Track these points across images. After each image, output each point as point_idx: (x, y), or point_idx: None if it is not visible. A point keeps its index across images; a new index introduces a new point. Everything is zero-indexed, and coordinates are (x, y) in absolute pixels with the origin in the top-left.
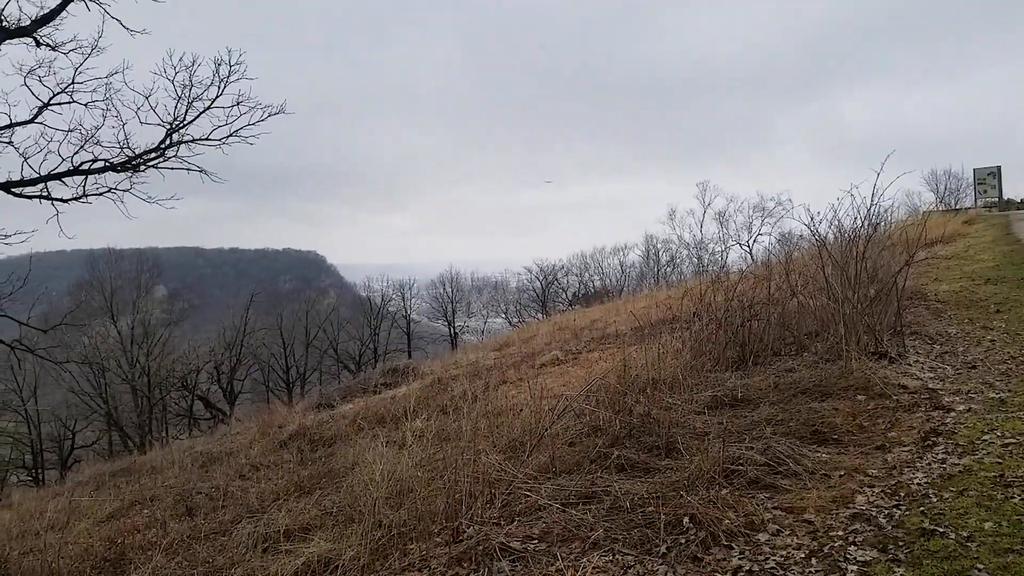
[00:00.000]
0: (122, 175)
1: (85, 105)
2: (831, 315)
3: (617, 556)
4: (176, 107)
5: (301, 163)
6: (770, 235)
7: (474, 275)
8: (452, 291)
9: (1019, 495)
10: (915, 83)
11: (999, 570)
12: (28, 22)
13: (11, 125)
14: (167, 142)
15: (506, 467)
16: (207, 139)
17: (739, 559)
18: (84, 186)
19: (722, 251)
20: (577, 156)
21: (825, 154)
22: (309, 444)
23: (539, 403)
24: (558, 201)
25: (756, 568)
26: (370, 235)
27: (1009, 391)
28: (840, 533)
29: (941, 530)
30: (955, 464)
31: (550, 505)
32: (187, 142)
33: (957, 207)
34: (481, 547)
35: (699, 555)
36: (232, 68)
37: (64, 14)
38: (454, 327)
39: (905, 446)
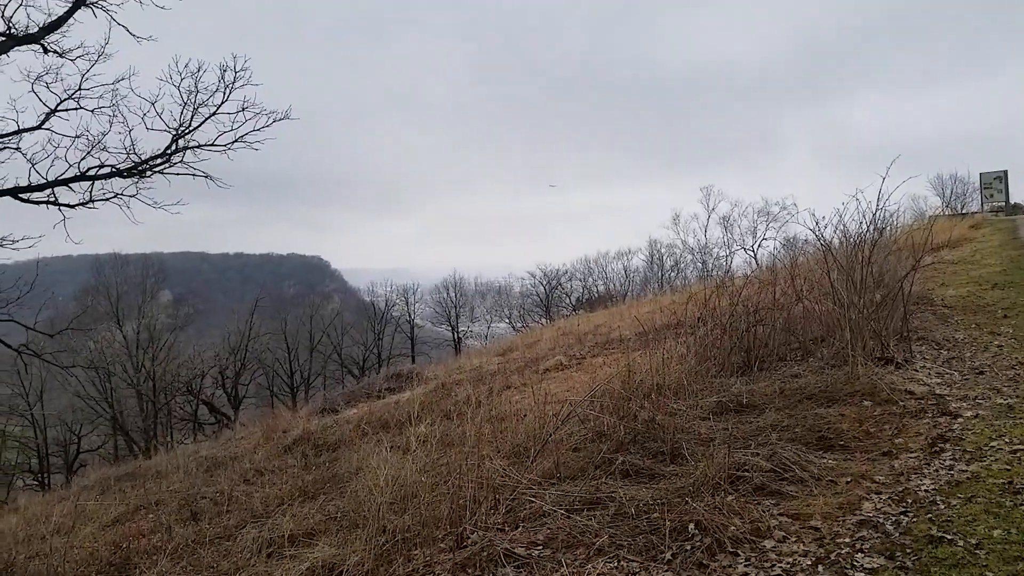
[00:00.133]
0: (128, 181)
1: (92, 111)
2: (837, 320)
3: (622, 563)
4: (182, 113)
5: (305, 168)
6: (775, 240)
7: (478, 280)
8: (456, 296)
9: None
10: (919, 86)
11: None
12: (36, 29)
13: (19, 131)
14: (173, 148)
15: (510, 473)
16: (213, 145)
17: (745, 566)
18: (91, 192)
19: (726, 256)
20: (580, 160)
21: (830, 158)
22: (313, 449)
23: (543, 408)
24: (562, 206)
25: (762, 575)
26: (374, 240)
27: (1017, 397)
28: (847, 540)
29: (949, 537)
30: (963, 471)
31: (554, 511)
32: (193, 148)
33: (963, 211)
34: (485, 553)
35: (705, 562)
36: (237, 74)
37: (71, 21)
38: (458, 332)
39: (912, 452)
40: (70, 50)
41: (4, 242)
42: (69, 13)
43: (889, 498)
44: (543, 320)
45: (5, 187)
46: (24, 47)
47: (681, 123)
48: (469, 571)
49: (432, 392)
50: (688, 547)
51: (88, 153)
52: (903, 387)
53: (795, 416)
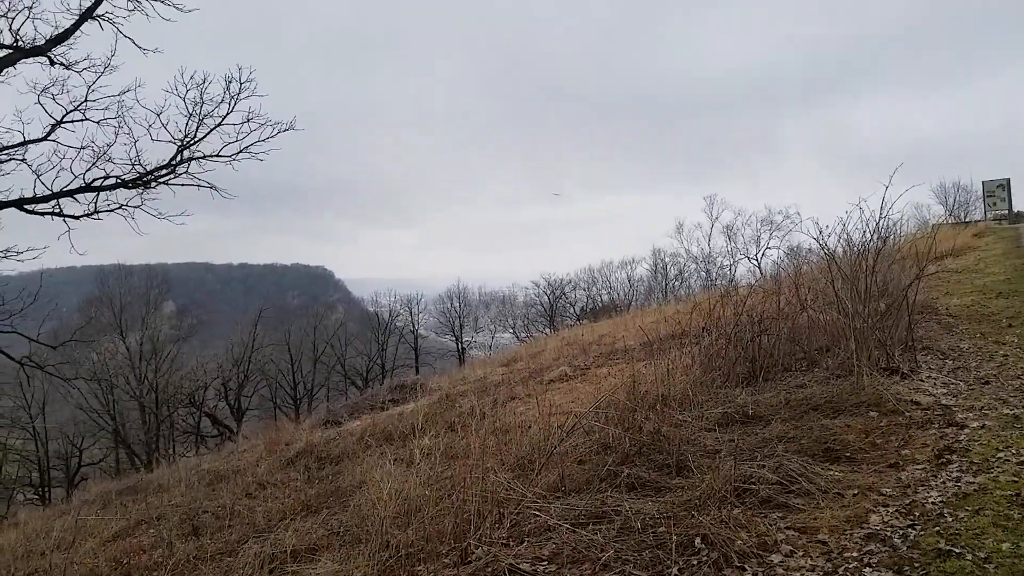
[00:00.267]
0: (133, 192)
1: (98, 123)
2: (842, 330)
3: None
4: (187, 124)
5: (309, 178)
6: (779, 249)
7: (481, 290)
8: (460, 306)
9: None
10: (920, 94)
11: None
12: (43, 41)
13: (24, 143)
14: (178, 159)
15: (515, 486)
16: (217, 155)
17: None
18: (95, 203)
19: (730, 265)
20: (583, 169)
21: (833, 166)
22: (316, 462)
23: (548, 420)
24: (565, 215)
25: None
26: (378, 250)
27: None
28: (855, 554)
29: (957, 551)
30: (970, 482)
31: (560, 525)
32: (198, 159)
33: (966, 220)
34: (490, 569)
35: None
36: (243, 85)
37: (78, 33)
38: (462, 342)
39: (919, 464)
40: (76, 62)
41: (9, 254)
42: (76, 26)
43: (896, 511)
44: (547, 330)
45: (10, 199)
46: (31, 59)
47: (683, 130)
48: None
49: (436, 403)
50: (695, 562)
51: (93, 164)
52: (909, 397)
53: (801, 427)
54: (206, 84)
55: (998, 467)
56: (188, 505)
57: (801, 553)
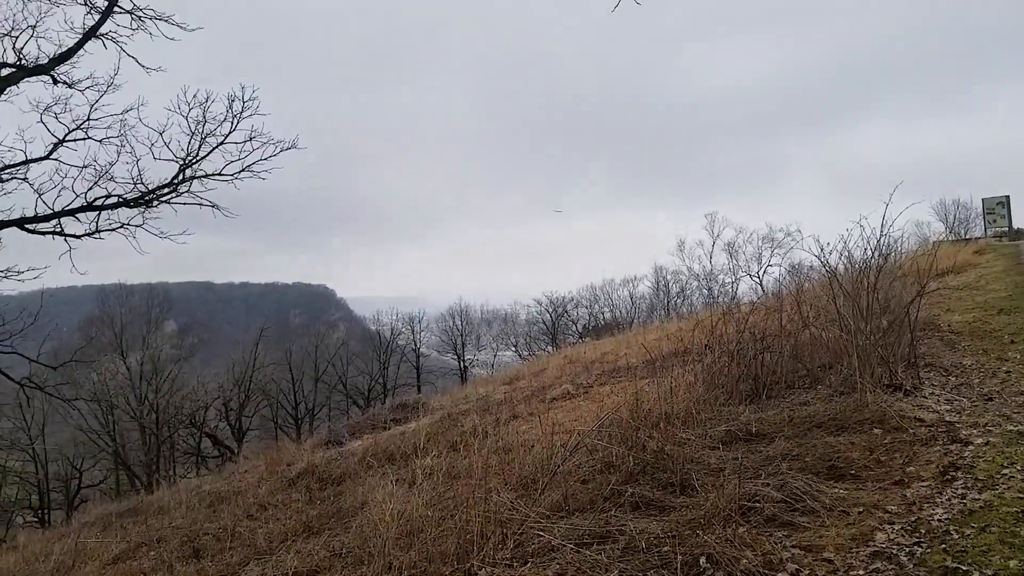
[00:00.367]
0: (135, 210)
1: (100, 141)
2: (844, 347)
3: None
4: (189, 143)
5: (311, 197)
6: (780, 266)
7: (483, 308)
8: (462, 324)
9: None
10: (920, 116)
11: None
12: (46, 60)
13: (26, 162)
14: (180, 177)
15: (518, 506)
16: (220, 174)
17: None
18: (97, 222)
19: (732, 282)
20: (585, 188)
21: (834, 185)
22: (318, 482)
23: (551, 439)
24: (567, 234)
25: None
26: (380, 268)
27: None
28: (861, 572)
29: (964, 568)
30: (975, 499)
31: (563, 545)
32: (200, 177)
33: (967, 237)
34: None
35: None
36: (245, 104)
37: (81, 52)
38: (464, 360)
39: (924, 481)
40: (79, 81)
41: (9, 273)
42: (79, 44)
43: (902, 528)
44: (549, 348)
45: (11, 218)
46: (34, 78)
47: (684, 150)
48: None
49: (438, 423)
50: None
51: (95, 183)
52: (912, 414)
53: (805, 445)
54: (209, 103)
55: (1003, 484)
56: (189, 527)
57: (807, 572)
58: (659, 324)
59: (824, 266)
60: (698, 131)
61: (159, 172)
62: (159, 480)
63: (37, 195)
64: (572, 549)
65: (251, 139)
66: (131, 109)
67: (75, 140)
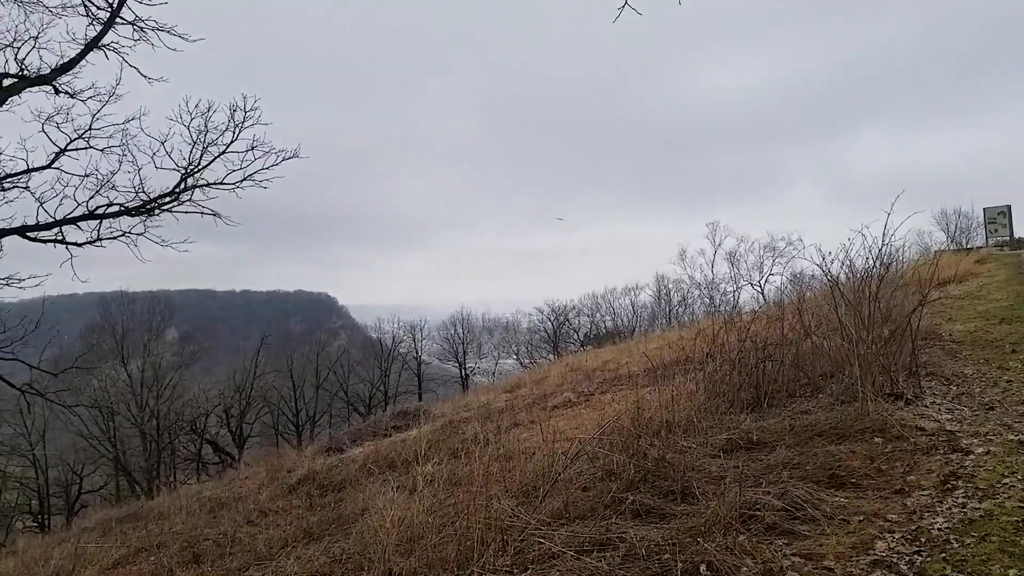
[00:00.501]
0: (136, 219)
1: (102, 151)
2: (845, 356)
3: None
4: (191, 152)
5: (313, 205)
6: (782, 275)
7: (485, 316)
8: (463, 332)
9: None
10: (921, 125)
11: None
12: (48, 70)
13: (28, 171)
14: (182, 186)
15: (518, 513)
16: (221, 183)
17: None
18: (98, 230)
19: (734, 291)
20: (587, 197)
21: (835, 194)
22: (318, 489)
23: (552, 447)
24: (569, 242)
25: None
26: (381, 276)
27: None
28: None
29: None
30: (976, 508)
31: (564, 552)
32: (201, 186)
33: (968, 246)
34: None
35: None
36: (247, 114)
37: (83, 62)
38: (465, 368)
39: (924, 490)
40: (81, 91)
41: (11, 281)
42: (81, 55)
43: (902, 537)
44: (551, 356)
45: (13, 226)
46: (36, 88)
47: (686, 157)
48: None
49: (439, 430)
50: None
51: (97, 192)
52: (913, 423)
53: (806, 453)
54: (211, 112)
55: (1004, 493)
56: (189, 533)
57: None
58: (661, 333)
59: (826, 275)
60: (700, 138)
61: (161, 181)
62: (159, 486)
63: (39, 204)
64: (572, 556)
65: (253, 148)
66: (133, 119)
67: (77, 149)
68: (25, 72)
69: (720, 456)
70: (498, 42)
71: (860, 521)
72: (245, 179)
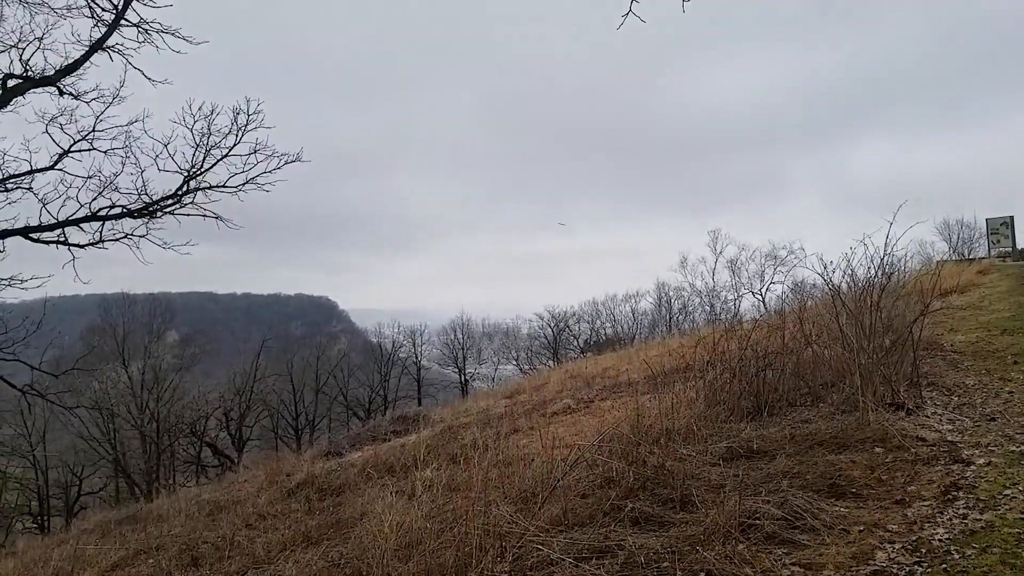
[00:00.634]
0: (139, 221)
1: (105, 152)
2: (846, 365)
3: None
4: (194, 155)
5: (314, 209)
6: (783, 284)
7: (485, 321)
8: (463, 337)
9: None
10: (923, 135)
11: None
12: (52, 72)
13: (31, 172)
14: (184, 189)
15: (517, 519)
16: (224, 186)
17: None
18: (101, 232)
19: (734, 299)
20: (588, 203)
21: (836, 203)
22: (317, 493)
23: (551, 453)
24: (570, 249)
25: None
26: (382, 281)
27: None
28: None
29: None
30: (977, 519)
31: (562, 560)
32: (204, 189)
33: (970, 257)
34: None
35: None
36: (250, 117)
37: (87, 64)
38: (465, 374)
39: (925, 500)
40: (85, 92)
41: (12, 282)
42: (86, 57)
43: (903, 547)
44: (551, 362)
45: (16, 227)
46: (40, 89)
47: (687, 164)
48: None
49: (438, 435)
50: None
51: (100, 194)
52: (914, 433)
53: (806, 462)
54: (214, 115)
55: (1005, 504)
56: (188, 535)
57: None
58: (661, 340)
59: (827, 284)
60: (702, 145)
61: (163, 183)
62: (159, 488)
63: (41, 205)
64: (571, 563)
65: (255, 151)
66: (136, 121)
67: (80, 151)
68: (30, 73)
69: (720, 464)
70: (500, 46)
71: (860, 531)
72: (247, 182)
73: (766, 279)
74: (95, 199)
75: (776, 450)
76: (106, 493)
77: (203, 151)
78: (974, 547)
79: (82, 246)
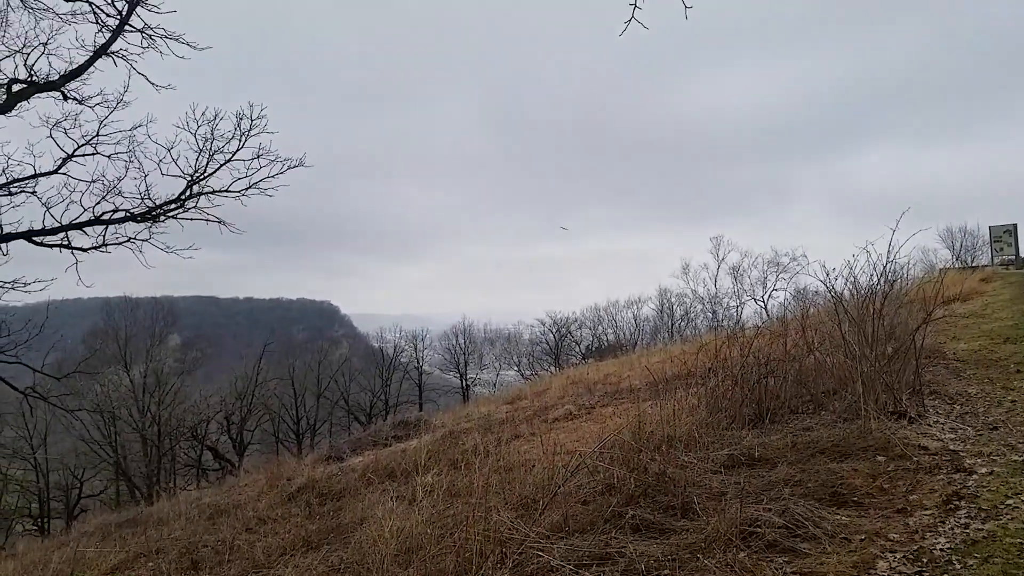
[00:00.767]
0: (142, 225)
1: (109, 157)
2: (848, 373)
3: None
4: (197, 159)
5: (317, 214)
6: (785, 291)
7: (487, 327)
8: (465, 343)
9: None
10: (926, 142)
11: None
12: (57, 76)
13: (35, 175)
14: (187, 193)
15: (518, 525)
16: (227, 191)
17: None
18: (104, 236)
19: (737, 306)
20: (590, 210)
21: (840, 210)
22: (318, 497)
23: (552, 459)
24: (572, 255)
25: None
26: (384, 286)
27: None
28: None
29: None
30: (979, 529)
31: (563, 566)
32: (207, 193)
33: (973, 265)
34: None
35: None
36: (253, 122)
37: (92, 69)
38: (466, 379)
39: (927, 509)
40: (89, 97)
41: (16, 285)
42: (90, 62)
43: (904, 557)
44: (552, 368)
45: (19, 230)
46: (45, 94)
47: (690, 173)
48: None
49: (439, 441)
50: None
51: (103, 198)
52: (916, 442)
53: (808, 471)
54: (217, 120)
55: (1007, 514)
56: (188, 539)
57: None
58: (663, 347)
59: (830, 292)
60: (705, 151)
61: (167, 188)
62: (159, 492)
63: (45, 208)
64: (571, 570)
65: (258, 156)
66: (140, 125)
67: (84, 155)
68: (34, 78)
69: (721, 472)
70: (504, 54)
71: (862, 540)
72: (251, 187)
73: (768, 286)
74: (98, 203)
75: (778, 458)
76: (107, 496)
77: (206, 156)
78: (976, 557)
79: (85, 250)
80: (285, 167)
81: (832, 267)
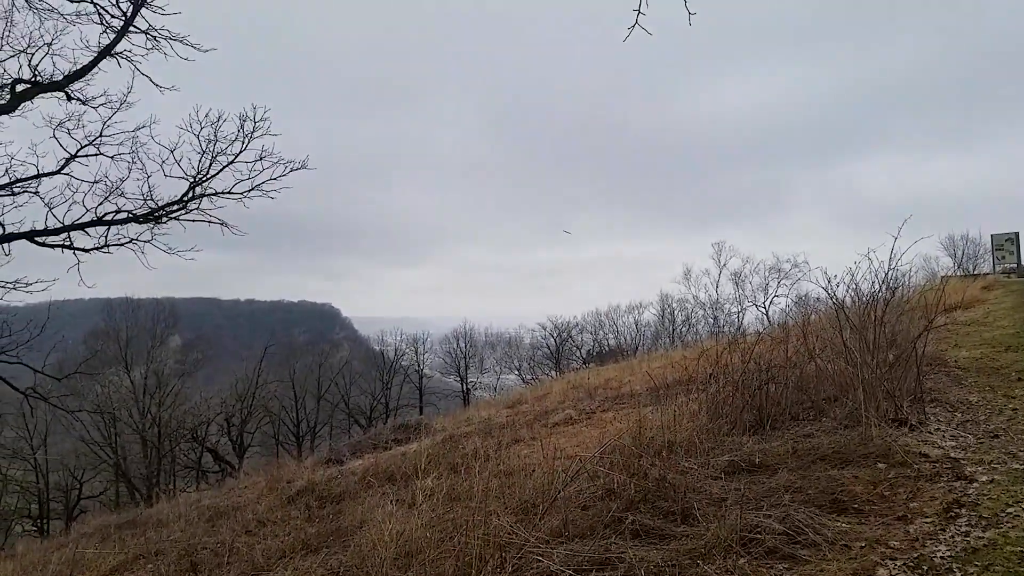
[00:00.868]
0: (144, 226)
1: (112, 158)
2: (850, 380)
3: None
4: (200, 161)
5: (319, 216)
6: (787, 297)
7: (488, 330)
8: (466, 346)
9: None
10: (928, 150)
11: None
12: (61, 77)
13: (38, 176)
14: (190, 195)
15: (517, 530)
16: (229, 192)
17: None
18: (106, 236)
19: (738, 312)
20: (592, 215)
21: (841, 217)
22: (317, 500)
23: (552, 464)
24: (574, 259)
25: None
26: (386, 289)
27: None
28: None
29: None
30: (979, 537)
31: (563, 571)
32: (209, 195)
33: (975, 272)
34: None
35: None
36: (256, 124)
37: (96, 70)
38: (467, 383)
39: (927, 517)
40: (93, 98)
41: (17, 285)
42: (94, 63)
43: (904, 564)
44: (553, 372)
45: (22, 230)
46: (48, 94)
47: (692, 178)
48: None
49: (439, 444)
50: None
51: (106, 199)
52: (917, 450)
53: (808, 477)
54: (220, 122)
55: (1008, 522)
56: (187, 541)
57: None
58: (664, 352)
59: (831, 298)
60: (707, 157)
61: (169, 189)
62: (159, 493)
63: (48, 208)
64: (571, 575)
65: (261, 158)
66: (143, 126)
67: (87, 156)
68: (38, 78)
69: (721, 478)
70: (506, 59)
71: (862, 547)
72: (253, 189)
73: (770, 292)
74: (101, 204)
75: (778, 464)
76: (106, 497)
77: (209, 157)
78: (976, 565)
79: (87, 250)
80: (287, 169)
81: (834, 274)
